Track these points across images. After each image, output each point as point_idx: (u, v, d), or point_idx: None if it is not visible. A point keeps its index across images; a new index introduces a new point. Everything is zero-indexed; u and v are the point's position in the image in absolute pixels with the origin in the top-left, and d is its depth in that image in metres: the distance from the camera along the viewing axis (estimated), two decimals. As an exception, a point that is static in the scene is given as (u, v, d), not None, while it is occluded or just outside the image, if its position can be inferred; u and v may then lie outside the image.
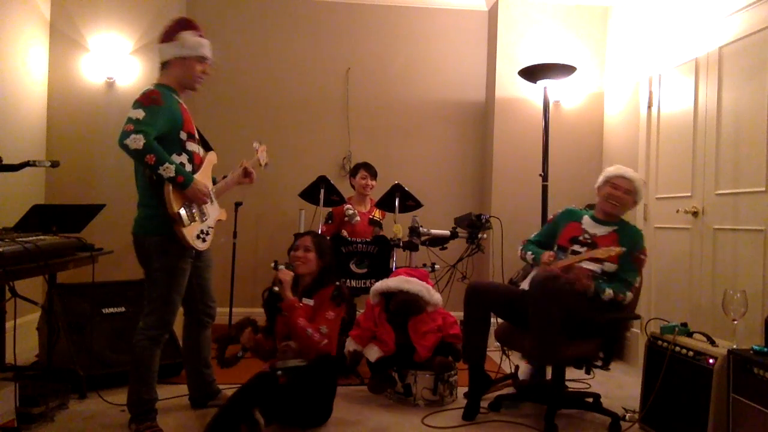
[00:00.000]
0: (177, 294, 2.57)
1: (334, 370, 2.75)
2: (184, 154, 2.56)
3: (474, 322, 2.94)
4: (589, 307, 2.74)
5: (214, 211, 2.69)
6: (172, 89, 2.59)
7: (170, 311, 2.57)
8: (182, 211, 2.46)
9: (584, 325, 2.73)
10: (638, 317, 3.16)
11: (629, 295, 2.82)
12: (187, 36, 2.56)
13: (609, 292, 2.77)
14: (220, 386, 2.97)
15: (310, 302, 2.83)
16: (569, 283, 2.70)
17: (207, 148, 2.85)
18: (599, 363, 2.85)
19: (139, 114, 2.36)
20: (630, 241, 2.88)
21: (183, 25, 2.60)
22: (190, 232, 2.50)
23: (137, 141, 2.31)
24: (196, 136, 2.67)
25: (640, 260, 2.89)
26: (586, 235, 2.95)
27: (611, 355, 2.86)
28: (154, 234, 2.50)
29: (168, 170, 2.38)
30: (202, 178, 2.63)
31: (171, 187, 2.42)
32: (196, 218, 2.54)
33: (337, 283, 2.92)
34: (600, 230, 2.95)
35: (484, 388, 3.01)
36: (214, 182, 2.80)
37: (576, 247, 2.93)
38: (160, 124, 2.42)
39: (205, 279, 2.80)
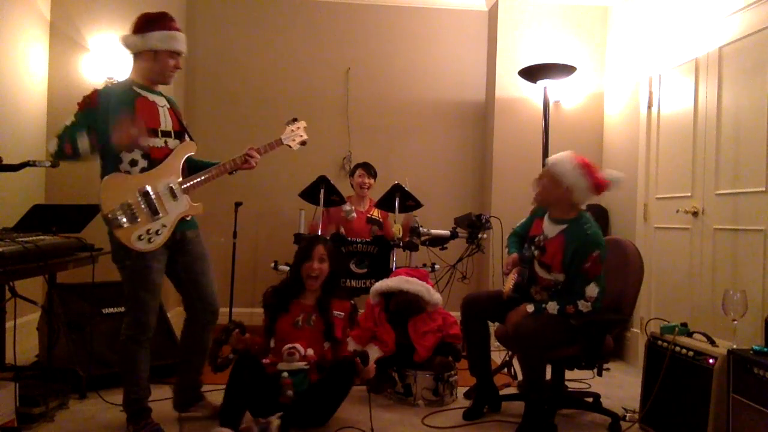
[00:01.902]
0: (146, 292, 2.46)
1: (352, 376, 2.74)
2: (135, 150, 2.44)
3: (472, 335, 2.95)
4: (562, 320, 2.66)
5: (177, 207, 2.51)
6: (137, 83, 2.51)
7: (141, 310, 2.47)
8: (113, 213, 2.34)
9: (566, 334, 2.68)
10: (622, 320, 2.97)
11: (582, 303, 2.61)
12: (160, 29, 2.47)
13: (551, 305, 2.64)
14: (215, 387, 2.96)
15: (341, 315, 2.88)
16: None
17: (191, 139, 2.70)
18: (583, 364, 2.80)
19: (68, 120, 2.38)
20: (574, 247, 2.62)
21: (156, 17, 2.51)
22: (128, 233, 2.37)
23: (52, 145, 2.35)
24: (163, 128, 2.52)
25: (586, 270, 2.59)
26: (541, 237, 2.78)
27: (593, 358, 2.78)
28: (110, 233, 2.43)
29: (82, 142, 2.33)
30: (165, 170, 2.50)
31: (102, 187, 2.37)
32: (140, 218, 2.40)
33: (352, 302, 2.98)
34: (552, 230, 2.74)
35: (490, 399, 2.99)
36: (198, 169, 2.61)
37: (532, 249, 2.82)
38: (94, 123, 2.37)
39: (196, 273, 2.64)
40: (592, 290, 2.61)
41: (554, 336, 2.64)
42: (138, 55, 2.51)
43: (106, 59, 4.34)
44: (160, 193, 2.47)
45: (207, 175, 2.59)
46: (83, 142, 2.35)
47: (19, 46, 3.95)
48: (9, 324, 3.04)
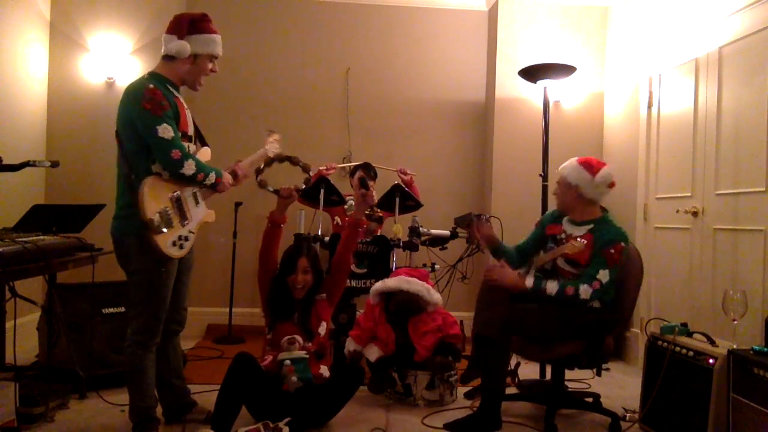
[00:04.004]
0: (162, 297, 2.41)
1: (358, 382, 2.77)
2: None
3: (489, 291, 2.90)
4: (566, 310, 2.69)
5: (198, 213, 2.48)
6: (170, 82, 2.42)
7: (154, 314, 2.41)
8: (155, 217, 2.26)
9: (563, 328, 2.70)
10: (621, 319, 2.94)
11: (584, 288, 2.65)
12: (201, 32, 2.41)
13: (550, 285, 2.69)
14: (206, 387, 2.96)
15: (323, 296, 2.89)
16: (495, 283, 2.78)
17: (204, 143, 2.68)
18: (583, 363, 2.80)
19: (168, 131, 2.28)
20: (602, 237, 2.74)
21: (197, 19, 2.43)
22: (164, 239, 2.29)
23: (190, 167, 2.32)
24: (190, 133, 2.51)
25: (609, 255, 2.69)
26: (563, 235, 2.87)
27: (595, 358, 2.79)
28: (131, 234, 2.34)
29: (211, 178, 2.41)
30: None
31: (146, 190, 2.26)
32: (174, 223, 2.34)
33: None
34: (577, 230, 2.83)
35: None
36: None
37: (552, 245, 2.91)
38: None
39: (181, 282, 2.56)
40: (604, 275, 2.68)
41: (544, 326, 2.68)
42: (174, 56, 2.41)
43: (105, 59, 4.35)
44: (187, 198, 2.43)
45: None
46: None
47: (19, 46, 3.95)
48: (9, 324, 3.04)
